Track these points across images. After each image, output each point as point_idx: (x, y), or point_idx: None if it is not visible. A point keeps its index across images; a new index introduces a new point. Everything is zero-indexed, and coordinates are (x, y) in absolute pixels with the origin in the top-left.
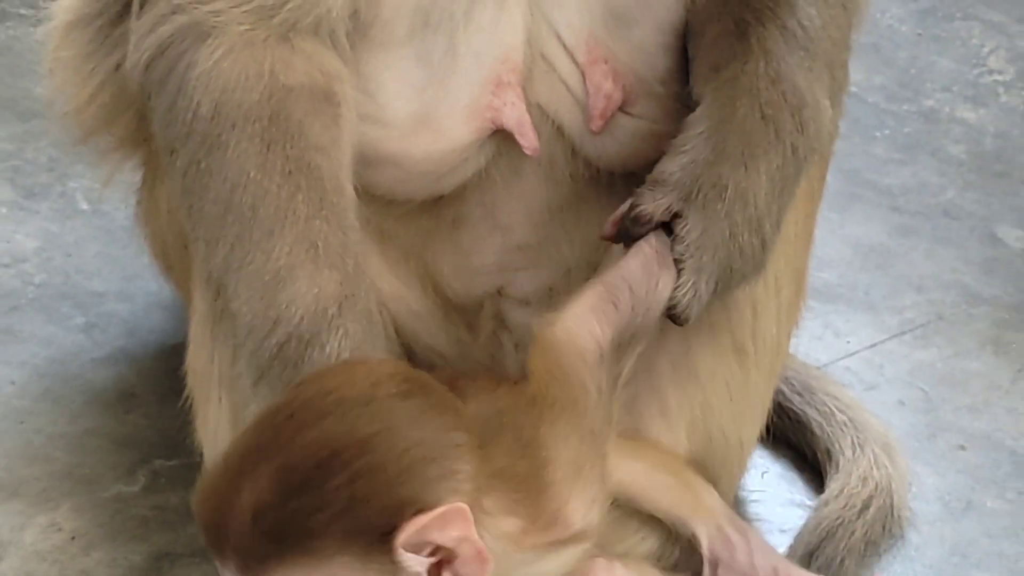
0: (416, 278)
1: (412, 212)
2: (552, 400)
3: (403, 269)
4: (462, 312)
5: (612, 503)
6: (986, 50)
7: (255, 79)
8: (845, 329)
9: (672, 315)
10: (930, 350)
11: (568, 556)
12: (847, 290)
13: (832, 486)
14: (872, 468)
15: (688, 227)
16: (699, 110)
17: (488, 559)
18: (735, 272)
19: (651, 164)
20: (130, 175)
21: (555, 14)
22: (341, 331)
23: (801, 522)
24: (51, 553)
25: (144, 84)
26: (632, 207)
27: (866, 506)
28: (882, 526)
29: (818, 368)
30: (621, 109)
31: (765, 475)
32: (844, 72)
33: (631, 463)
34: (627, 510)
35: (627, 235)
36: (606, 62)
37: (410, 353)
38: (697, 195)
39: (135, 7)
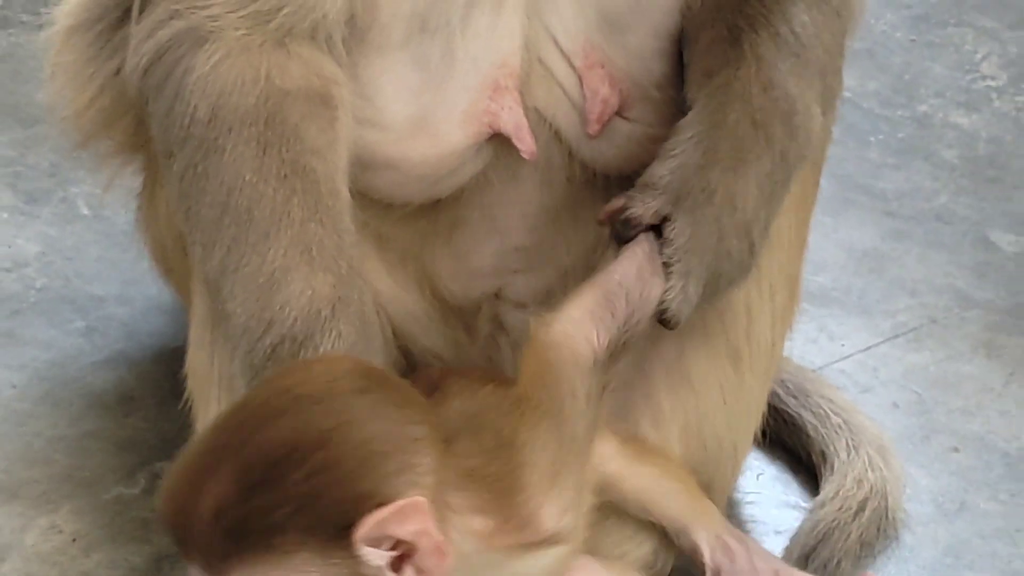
0: (414, 280)
1: (410, 215)
2: (536, 404)
3: (401, 272)
4: (460, 314)
5: (613, 508)
6: (979, 56)
7: (251, 83)
8: (839, 332)
9: (662, 319)
10: (923, 353)
11: (546, 558)
12: (841, 294)
13: (827, 488)
14: (867, 470)
15: (677, 231)
16: (691, 115)
17: (447, 552)
18: (723, 276)
19: (647, 168)
20: (130, 180)
21: (552, 19)
22: (334, 333)
23: (796, 524)
24: (52, 555)
25: (142, 88)
26: (622, 210)
27: (861, 508)
28: (877, 528)
29: (813, 371)
30: (618, 113)
31: (760, 477)
32: (837, 78)
33: (640, 470)
34: (623, 516)
35: (618, 237)
36: (603, 67)
37: (408, 355)
38: (687, 199)
39: (135, 12)
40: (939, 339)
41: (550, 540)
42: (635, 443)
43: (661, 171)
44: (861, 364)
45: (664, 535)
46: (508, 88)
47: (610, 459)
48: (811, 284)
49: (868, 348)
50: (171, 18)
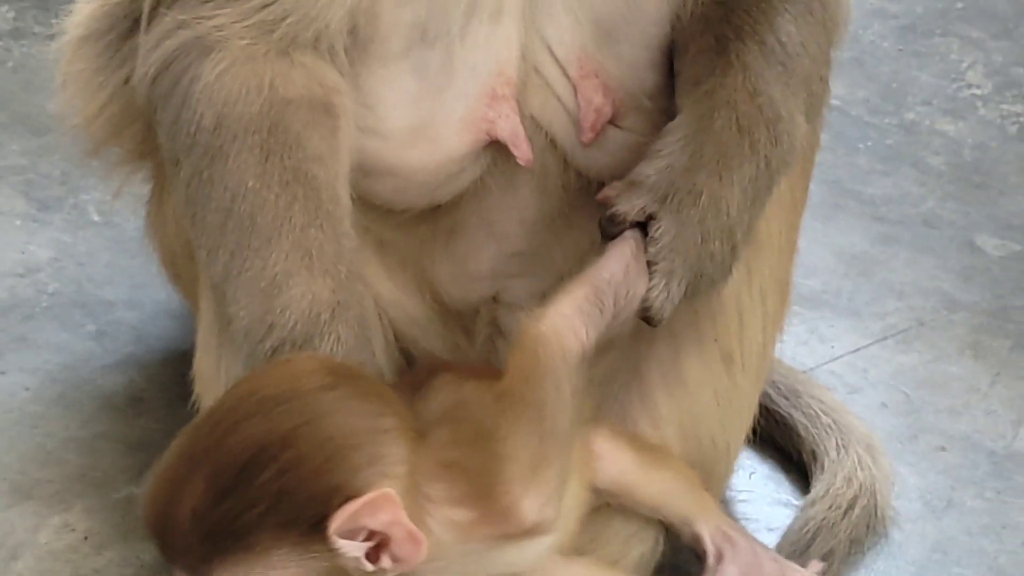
0: (414, 285)
1: (410, 221)
2: (520, 398)
3: (401, 276)
4: (459, 318)
5: (618, 509)
6: (965, 65)
7: (255, 92)
8: (830, 334)
9: (645, 317)
10: (911, 354)
11: (528, 550)
12: (831, 297)
13: (818, 487)
14: (856, 469)
15: (662, 230)
16: (678, 119)
17: (421, 540)
18: (705, 277)
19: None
20: (139, 187)
21: (548, 30)
22: (333, 336)
23: (788, 521)
24: (64, 553)
25: (150, 97)
26: (608, 208)
27: (851, 506)
28: (866, 525)
29: (804, 372)
30: (611, 122)
31: (753, 475)
32: (823, 86)
33: (654, 476)
34: (628, 515)
35: (603, 233)
36: (597, 77)
37: (408, 357)
38: (672, 199)
39: (143, 23)
40: (927, 341)
41: (531, 532)
42: (648, 451)
43: (648, 170)
44: (851, 365)
45: (662, 528)
46: (505, 96)
47: (628, 472)
48: (802, 287)
49: (857, 350)
50: (178, 28)
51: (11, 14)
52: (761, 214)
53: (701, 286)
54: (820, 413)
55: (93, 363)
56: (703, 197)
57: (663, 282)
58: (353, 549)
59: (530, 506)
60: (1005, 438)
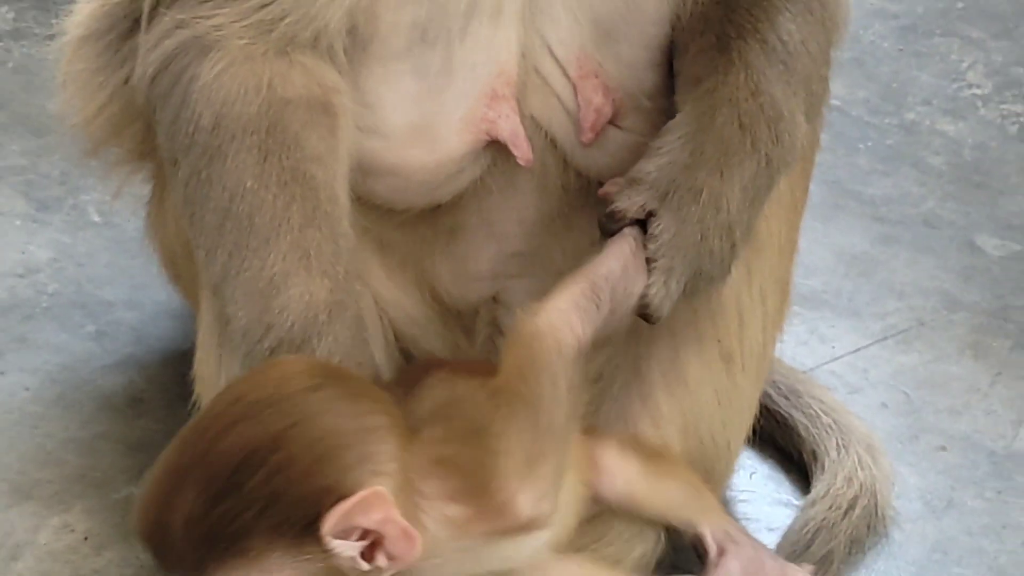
0: (415, 285)
1: (411, 221)
2: (514, 393)
3: (402, 276)
4: (459, 318)
5: (618, 512)
6: (965, 65)
7: (254, 92)
8: (830, 334)
9: (643, 314)
10: (912, 355)
11: (525, 545)
12: (832, 297)
13: (818, 487)
14: (857, 469)
15: (662, 227)
16: (679, 116)
17: (415, 537)
18: (704, 274)
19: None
20: (139, 188)
21: (548, 30)
22: (330, 337)
23: (788, 521)
24: (64, 553)
25: (150, 97)
26: (608, 204)
27: (851, 506)
28: (867, 525)
29: (804, 372)
30: (611, 122)
31: (753, 475)
32: (823, 86)
33: (662, 485)
34: (632, 518)
35: (602, 229)
36: (596, 77)
37: (409, 357)
38: (672, 196)
39: (143, 23)
40: (927, 341)
41: (528, 527)
42: (654, 460)
43: (648, 167)
44: (851, 365)
45: (663, 528)
46: (505, 96)
47: (635, 483)
48: (802, 287)
49: (858, 350)
50: (177, 27)
51: (11, 15)
52: (761, 212)
53: (700, 284)
54: (820, 413)
55: (93, 363)
56: (703, 195)
57: (662, 279)
58: (347, 549)
59: (526, 501)
60: (1005, 438)
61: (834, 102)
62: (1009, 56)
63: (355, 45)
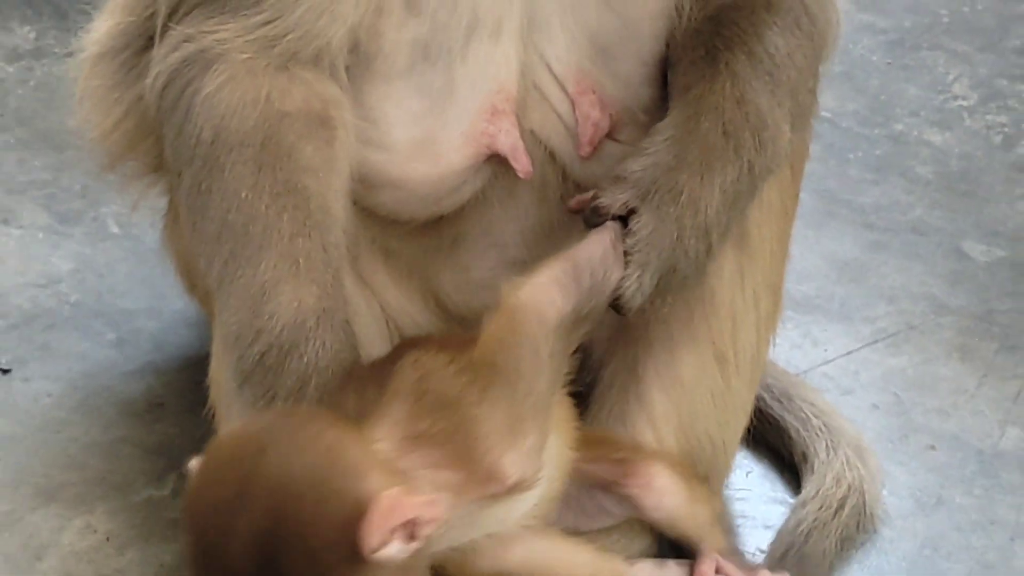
0: (419, 292)
1: (414, 231)
2: (491, 362)
3: (406, 284)
4: (462, 324)
5: (656, 523)
6: (951, 77)
7: (252, 105)
8: (822, 338)
9: (616, 304)
10: (901, 357)
11: (517, 506)
12: (824, 302)
13: (809, 487)
14: (845, 469)
15: (641, 224)
16: (667, 120)
17: (432, 500)
18: (677, 272)
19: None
20: (157, 200)
21: (546, 48)
22: (318, 342)
23: (783, 519)
24: (87, 553)
25: (159, 110)
26: (593, 198)
27: (841, 506)
28: (856, 523)
29: (797, 375)
30: (608, 136)
31: (749, 475)
32: (811, 98)
33: (691, 503)
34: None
35: (587, 222)
36: (594, 92)
37: None
38: (653, 196)
39: (157, 39)
40: (916, 344)
41: (516, 488)
42: (694, 485)
43: (634, 167)
44: (843, 368)
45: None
46: (505, 112)
47: (682, 507)
48: (795, 293)
49: (849, 353)
50: (184, 41)
51: (32, 34)
52: (741, 217)
53: (673, 281)
54: (811, 416)
55: (113, 370)
56: (683, 196)
57: (636, 273)
58: (395, 551)
59: (512, 464)
60: (992, 437)
61: (825, 114)
62: (993, 69)
63: (358, 62)
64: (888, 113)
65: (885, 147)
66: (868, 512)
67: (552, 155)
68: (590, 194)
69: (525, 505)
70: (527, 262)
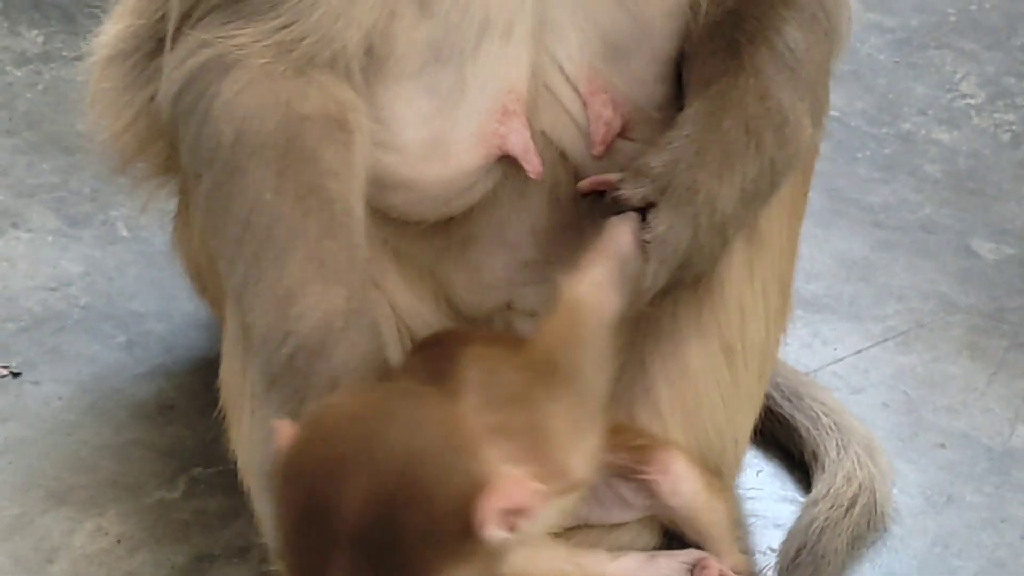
0: (430, 293)
1: (426, 232)
2: (553, 360)
3: (418, 285)
4: (474, 324)
5: (672, 513)
6: (959, 76)
7: (272, 109)
8: (832, 337)
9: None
10: (911, 355)
11: (562, 505)
12: (833, 300)
13: (819, 486)
14: (855, 468)
15: (658, 219)
16: (690, 113)
17: (543, 493)
18: (691, 267)
19: (643, 155)
20: (166, 203)
21: (558, 48)
22: (347, 343)
23: (794, 518)
24: (99, 556)
25: (174, 113)
26: (614, 190)
27: (852, 504)
28: (867, 521)
29: (806, 374)
30: (620, 135)
31: (760, 474)
32: (826, 93)
33: (708, 495)
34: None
35: (602, 210)
36: (606, 92)
37: None
38: (672, 192)
39: (168, 43)
40: (926, 342)
41: (575, 487)
42: (713, 479)
43: (654, 162)
44: (853, 367)
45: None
46: (516, 112)
47: (699, 492)
48: (805, 292)
49: (859, 351)
50: (200, 47)
51: (41, 38)
52: (759, 213)
53: (687, 275)
54: (821, 415)
55: (124, 373)
56: (700, 195)
57: (652, 268)
58: (500, 533)
59: (577, 462)
60: (1002, 435)
61: (833, 113)
62: (1001, 67)
63: (371, 64)
64: (896, 112)
65: (893, 146)
66: (879, 510)
67: (563, 155)
68: (603, 177)
69: (567, 505)
70: (538, 263)
